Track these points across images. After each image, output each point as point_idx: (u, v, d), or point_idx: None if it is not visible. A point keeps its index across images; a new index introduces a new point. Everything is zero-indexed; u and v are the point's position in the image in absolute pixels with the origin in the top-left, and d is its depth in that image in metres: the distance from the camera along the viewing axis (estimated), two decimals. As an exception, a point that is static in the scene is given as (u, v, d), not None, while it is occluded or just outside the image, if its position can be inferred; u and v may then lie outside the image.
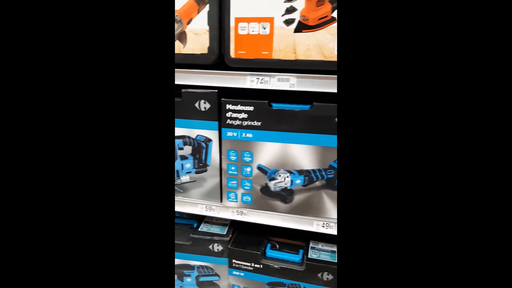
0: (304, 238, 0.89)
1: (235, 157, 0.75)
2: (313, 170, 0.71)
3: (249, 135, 0.72)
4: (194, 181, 0.82)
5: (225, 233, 0.88)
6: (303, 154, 0.70)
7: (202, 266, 0.89)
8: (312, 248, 0.85)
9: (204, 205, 0.82)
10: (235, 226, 0.92)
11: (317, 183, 0.72)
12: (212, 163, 0.78)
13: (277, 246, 0.89)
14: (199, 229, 0.89)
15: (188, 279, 0.91)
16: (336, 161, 0.69)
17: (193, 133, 0.77)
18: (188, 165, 0.80)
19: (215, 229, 0.89)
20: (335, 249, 0.84)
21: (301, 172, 0.72)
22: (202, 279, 0.90)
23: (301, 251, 0.84)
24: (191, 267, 0.89)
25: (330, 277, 0.78)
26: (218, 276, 0.88)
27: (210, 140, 0.76)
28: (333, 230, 0.74)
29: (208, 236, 0.86)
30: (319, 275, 0.79)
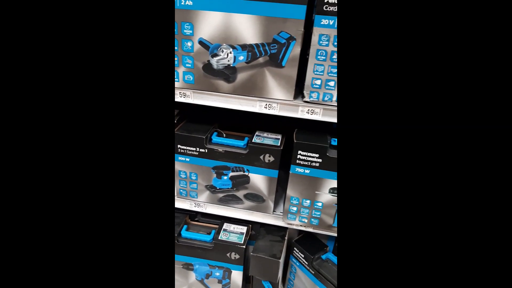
0: (252, 131, 0.90)
1: (174, 30, 0.69)
2: (256, 45, 0.68)
3: (189, 2, 0.66)
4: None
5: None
6: (246, 25, 0.66)
7: (147, 153, 0.88)
8: (257, 135, 0.87)
9: (146, 87, 0.78)
10: (182, 115, 0.91)
11: (260, 60, 0.70)
12: (151, 38, 0.72)
13: (224, 135, 0.90)
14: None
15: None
16: (280, 34, 0.66)
17: (127, 0, 0.68)
18: (125, 40, 0.74)
19: (160, 117, 0.87)
20: (279, 136, 0.87)
21: (244, 47, 0.69)
22: (148, 166, 0.91)
23: (246, 138, 0.85)
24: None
25: (272, 158, 0.82)
26: (165, 162, 0.89)
27: (146, 9, 0.69)
28: (275, 111, 0.75)
29: (152, 121, 0.84)
30: (261, 157, 0.82)
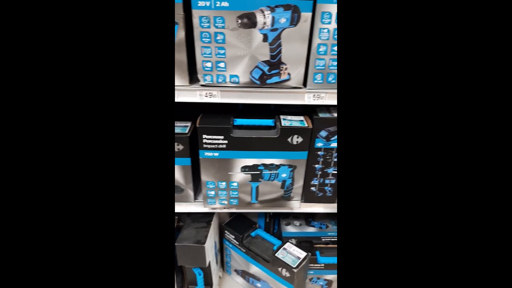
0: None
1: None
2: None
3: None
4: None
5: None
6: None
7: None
8: (166, 126, 0.85)
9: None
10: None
11: (146, 47, 0.68)
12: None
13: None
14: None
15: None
16: (160, 19, 0.65)
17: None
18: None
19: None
20: (188, 124, 0.86)
21: (126, 35, 0.66)
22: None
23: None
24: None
25: (181, 146, 0.81)
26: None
27: None
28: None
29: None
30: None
